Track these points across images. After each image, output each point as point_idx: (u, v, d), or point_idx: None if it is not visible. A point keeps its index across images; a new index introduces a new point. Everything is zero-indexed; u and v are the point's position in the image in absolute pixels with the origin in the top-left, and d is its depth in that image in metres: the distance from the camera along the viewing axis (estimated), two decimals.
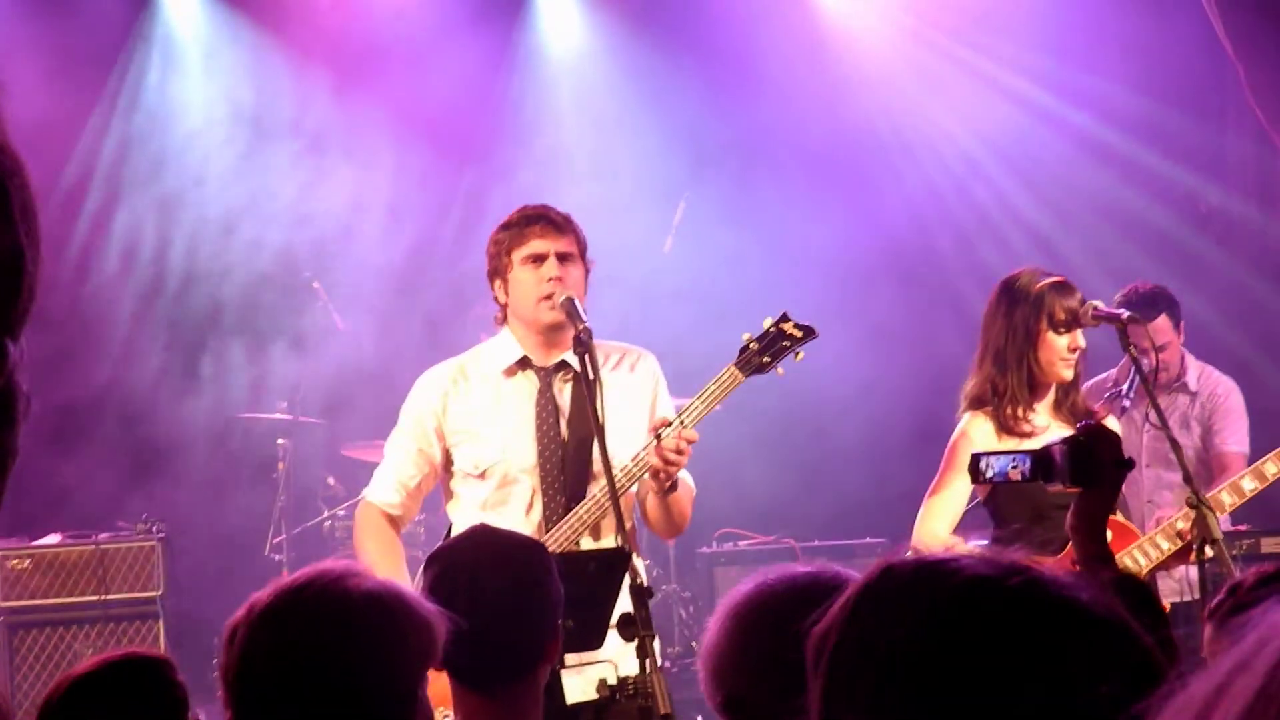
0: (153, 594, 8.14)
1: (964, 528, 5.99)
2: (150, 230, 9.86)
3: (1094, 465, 3.81)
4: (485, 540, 3.88)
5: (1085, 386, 6.36)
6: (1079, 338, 5.68)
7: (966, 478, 5.60)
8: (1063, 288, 5.71)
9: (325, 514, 9.15)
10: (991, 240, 9.82)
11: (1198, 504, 5.39)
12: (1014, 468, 4.15)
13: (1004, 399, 5.74)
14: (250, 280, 9.68)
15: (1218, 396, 7.54)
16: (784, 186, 10.00)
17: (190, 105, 10.02)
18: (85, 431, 9.50)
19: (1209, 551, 5.42)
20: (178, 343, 9.88)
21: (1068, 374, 5.68)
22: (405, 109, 9.75)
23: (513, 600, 3.57)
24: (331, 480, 9.42)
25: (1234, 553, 6.11)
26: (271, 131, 9.90)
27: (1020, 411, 5.72)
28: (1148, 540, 5.89)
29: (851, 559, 8.23)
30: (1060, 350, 5.67)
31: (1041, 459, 3.99)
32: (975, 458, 4.31)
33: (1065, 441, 3.87)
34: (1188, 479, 5.46)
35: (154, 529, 8.37)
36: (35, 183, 1.79)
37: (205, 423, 9.71)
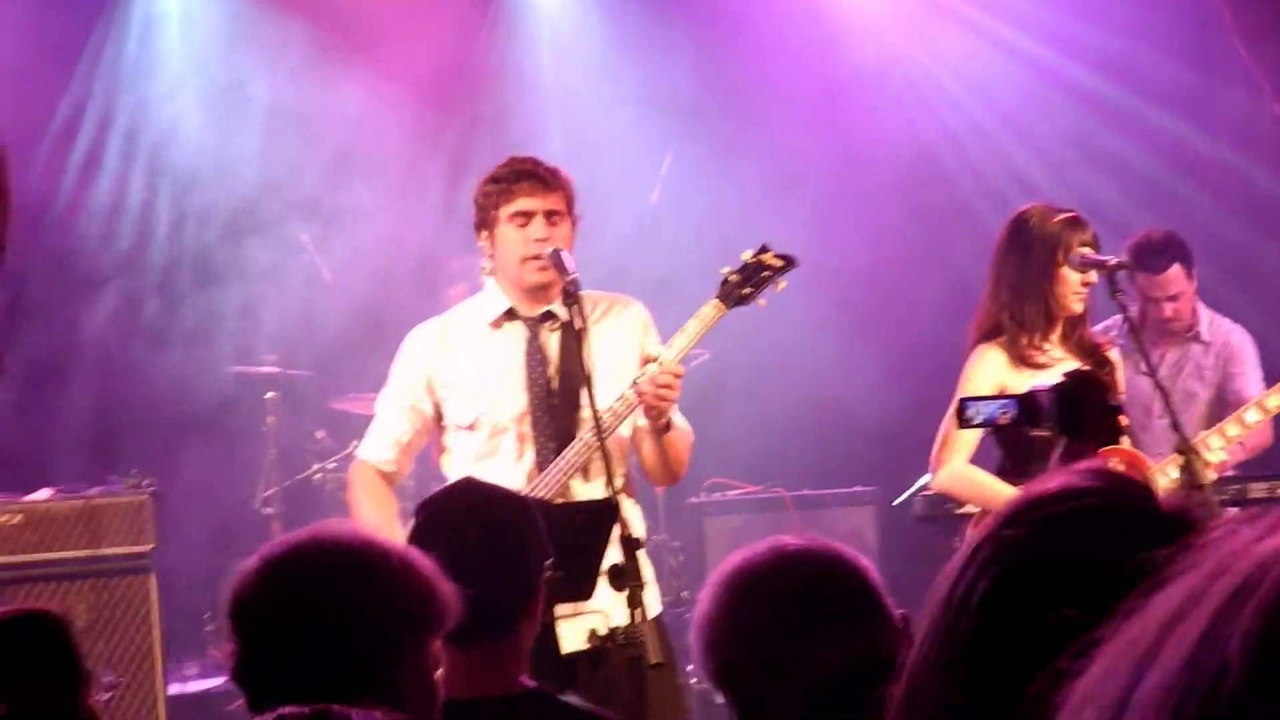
0: (145, 548, 7.86)
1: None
2: (136, 184, 9.79)
3: (1080, 412, 4.00)
4: (467, 495, 3.97)
5: (1094, 329, 6.51)
6: (1091, 275, 5.86)
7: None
8: (1075, 223, 5.91)
9: (315, 468, 9.12)
10: (984, 191, 9.83)
11: (1185, 449, 5.55)
12: (1003, 413, 4.43)
13: (1022, 329, 5.91)
14: (236, 234, 9.64)
15: (1231, 345, 7.66)
16: (774, 136, 10.05)
17: (172, 58, 9.99)
18: (70, 386, 9.51)
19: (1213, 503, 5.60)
20: (165, 296, 9.77)
21: (1079, 307, 5.87)
22: (390, 62, 9.76)
23: (492, 556, 3.64)
24: (320, 434, 9.35)
25: (1223, 498, 6.19)
26: (255, 89, 9.88)
27: (1037, 341, 5.92)
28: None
29: (842, 507, 8.66)
30: (1074, 284, 5.86)
31: (1028, 404, 4.20)
32: (963, 403, 4.65)
33: (1053, 388, 4.09)
34: (1175, 425, 5.63)
35: (144, 483, 8.08)
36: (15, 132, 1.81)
37: (193, 376, 9.59)
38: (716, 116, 10.06)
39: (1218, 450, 6.36)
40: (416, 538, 3.72)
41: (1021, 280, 5.94)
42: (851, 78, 10.03)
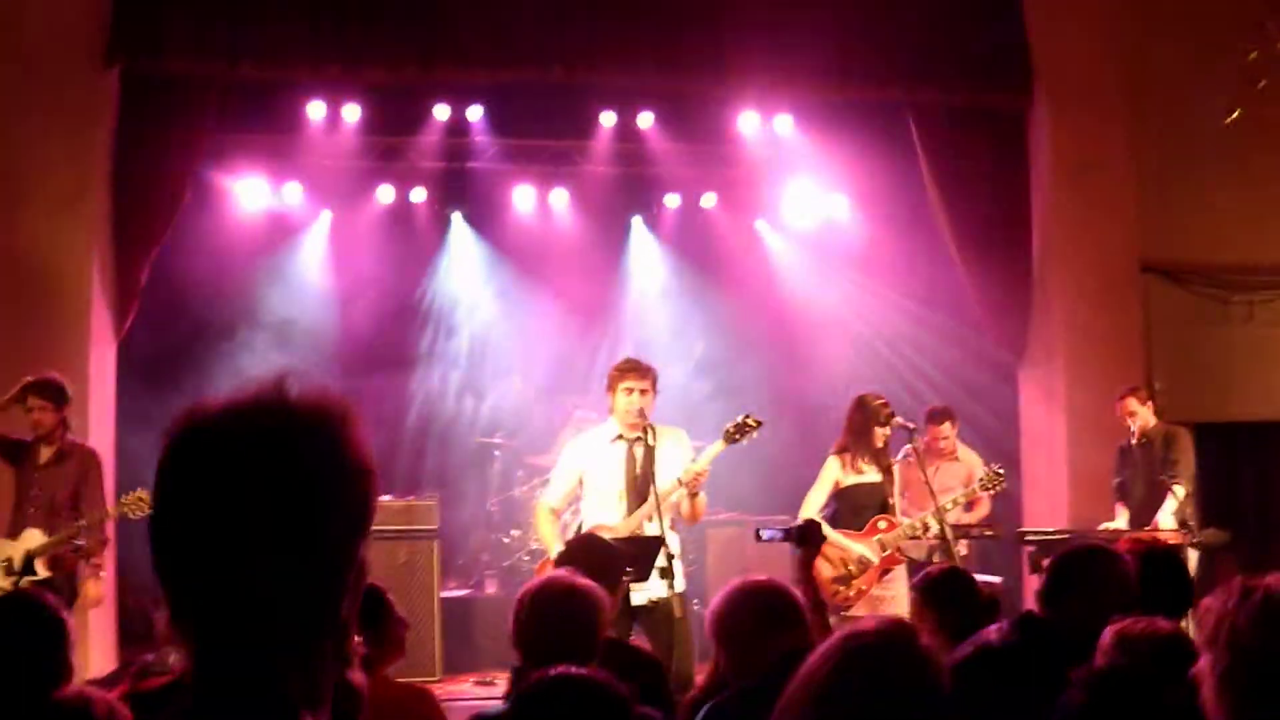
0: (433, 527, 11.14)
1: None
2: (447, 349, 14.41)
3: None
4: (586, 539, 5.82)
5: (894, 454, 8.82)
6: (888, 430, 8.44)
7: (823, 488, 8.58)
8: (884, 405, 8.50)
9: (517, 489, 13.05)
10: (853, 374, 12.80)
11: (938, 511, 8.24)
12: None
13: (854, 452, 8.50)
14: (493, 374, 14.20)
15: (972, 464, 10.50)
16: (749, 347, 13.97)
17: (468, 278, 14.54)
18: (405, 440, 13.71)
19: (951, 547, 8.23)
20: (457, 402, 14.25)
21: (881, 444, 8.44)
22: (564, 296, 13.97)
23: (594, 574, 4.67)
24: (520, 473, 13.26)
25: (958, 535, 8.90)
26: (509, 300, 14.26)
27: (860, 460, 8.51)
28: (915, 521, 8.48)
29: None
30: (880, 435, 8.48)
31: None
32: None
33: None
34: (934, 501, 8.24)
35: (433, 495, 11.58)
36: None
37: (462, 439, 13.94)
38: (725, 322, 14.02)
39: (954, 511, 9.24)
40: (562, 555, 5.41)
41: (857, 429, 8.51)
42: (795, 317, 13.88)
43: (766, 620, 4.08)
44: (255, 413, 1.66)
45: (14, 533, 8.75)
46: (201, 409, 1.67)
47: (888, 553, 8.41)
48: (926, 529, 8.37)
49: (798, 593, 4.26)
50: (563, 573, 4.27)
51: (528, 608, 4.19)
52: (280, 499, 1.61)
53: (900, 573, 8.49)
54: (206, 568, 1.61)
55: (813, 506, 8.43)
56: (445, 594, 11.58)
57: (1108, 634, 3.78)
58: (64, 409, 8.83)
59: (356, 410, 1.71)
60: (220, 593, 1.61)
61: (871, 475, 8.48)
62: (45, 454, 8.85)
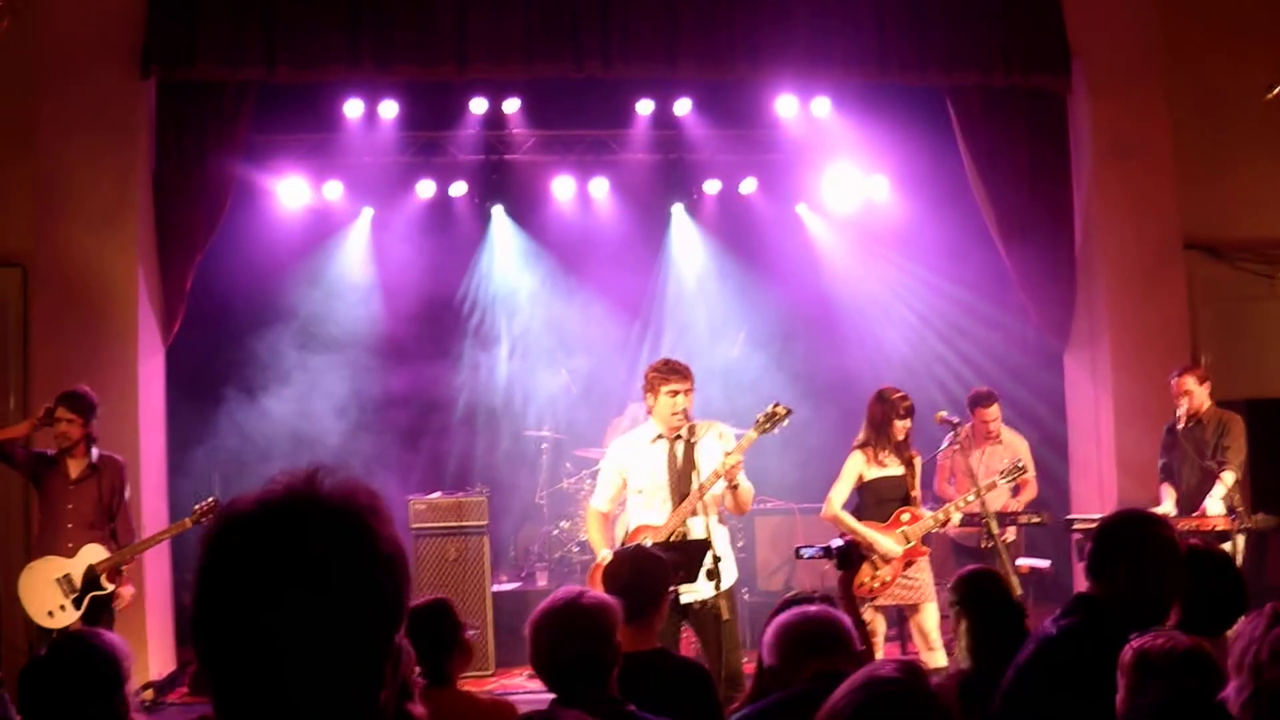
0: (483, 523, 11.23)
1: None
2: (491, 343, 14.40)
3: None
4: (635, 551, 5.65)
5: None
6: (908, 423, 8.56)
7: (847, 482, 8.66)
8: (903, 399, 8.56)
9: (565, 482, 13.17)
10: (897, 359, 13.56)
11: (978, 491, 8.51)
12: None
13: (876, 446, 8.59)
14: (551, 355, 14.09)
15: (1018, 447, 10.70)
16: (792, 332, 14.11)
17: (509, 271, 14.56)
18: (451, 438, 13.99)
19: (993, 526, 8.49)
20: (502, 390, 14.24)
21: (901, 436, 8.55)
22: (606, 285, 14.07)
23: (642, 580, 5.17)
24: (568, 465, 13.35)
25: (1002, 521, 9.09)
26: (552, 291, 14.32)
27: (882, 453, 8.62)
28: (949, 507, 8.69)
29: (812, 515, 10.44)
30: (900, 428, 8.57)
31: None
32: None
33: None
34: (976, 490, 8.54)
35: (483, 490, 11.68)
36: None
37: (510, 433, 14.07)
38: (764, 309, 14.02)
39: (1001, 495, 9.55)
40: (610, 566, 5.53)
41: (877, 423, 8.60)
42: (831, 298, 14.01)
43: (811, 646, 4.15)
44: (285, 509, 1.68)
45: (52, 548, 8.79)
46: (236, 506, 1.70)
47: (911, 544, 8.46)
48: (948, 520, 8.52)
49: (844, 617, 4.31)
50: (569, 591, 4.25)
51: (535, 636, 4.22)
52: (311, 596, 1.63)
53: (924, 563, 8.55)
54: (241, 663, 1.63)
55: (837, 501, 8.53)
56: (496, 588, 11.68)
57: (1127, 652, 3.73)
58: (91, 423, 8.85)
59: (384, 503, 1.73)
60: (256, 688, 1.63)
61: (894, 468, 8.55)
62: (75, 469, 8.88)
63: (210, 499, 8.92)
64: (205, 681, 1.67)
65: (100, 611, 8.73)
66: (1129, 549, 4.39)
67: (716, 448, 7.67)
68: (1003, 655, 4.62)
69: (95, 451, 8.94)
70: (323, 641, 1.63)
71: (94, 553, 8.72)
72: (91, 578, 8.68)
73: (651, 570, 5.23)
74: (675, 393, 7.55)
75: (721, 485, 7.44)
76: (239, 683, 1.64)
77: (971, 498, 8.51)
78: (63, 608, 8.63)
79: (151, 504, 10.51)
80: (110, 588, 8.74)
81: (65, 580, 8.67)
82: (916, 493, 8.58)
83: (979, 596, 5.28)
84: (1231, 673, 3.05)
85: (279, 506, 1.68)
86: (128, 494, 9.09)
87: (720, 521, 7.57)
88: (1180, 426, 9.88)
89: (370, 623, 1.68)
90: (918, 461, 8.66)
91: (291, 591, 1.63)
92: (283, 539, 1.65)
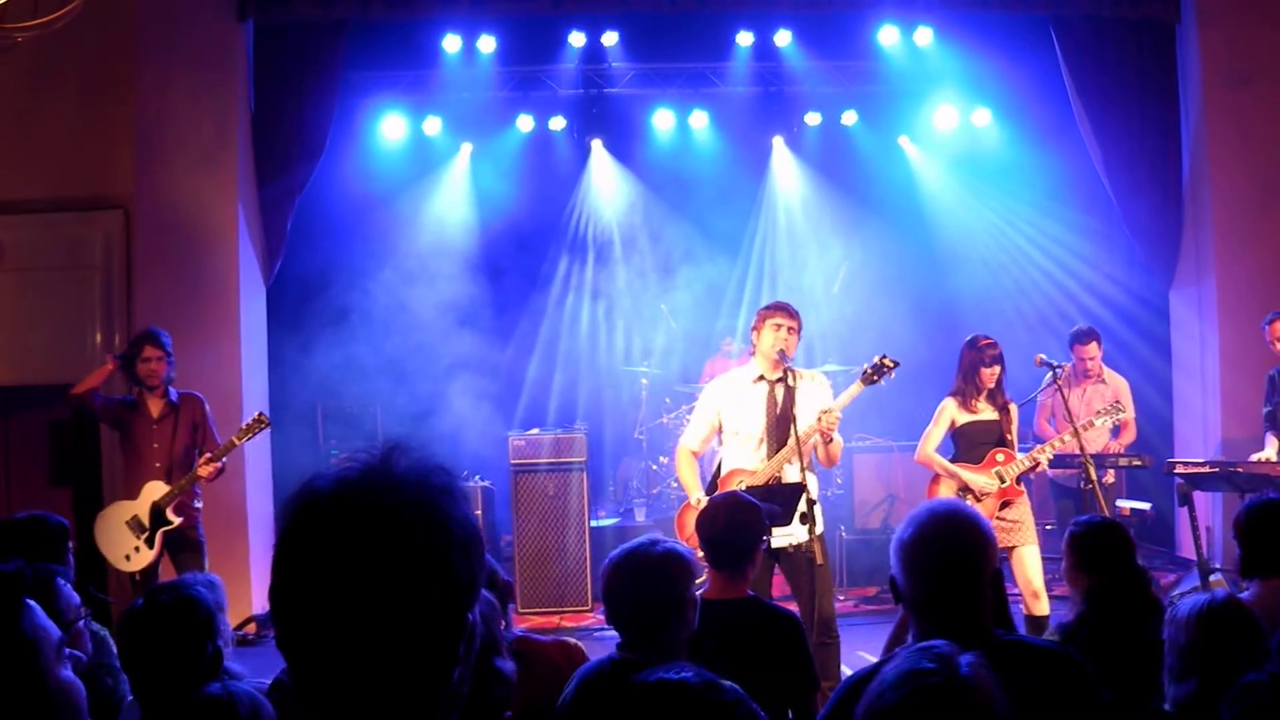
0: (581, 459, 11.22)
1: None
2: (592, 278, 14.60)
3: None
4: (728, 498, 5.35)
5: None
6: (995, 370, 8.37)
7: (942, 425, 8.59)
8: (991, 346, 8.39)
9: (664, 416, 13.37)
10: (1000, 296, 13.63)
11: (1074, 430, 8.30)
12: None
13: (966, 394, 8.49)
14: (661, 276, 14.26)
15: (1119, 386, 10.35)
16: (893, 266, 14.04)
17: (609, 205, 14.65)
18: (553, 374, 14.19)
19: (1090, 467, 8.21)
20: (611, 336, 14.41)
21: (991, 384, 8.42)
22: (706, 219, 14.26)
23: (736, 531, 5.10)
24: (668, 399, 13.59)
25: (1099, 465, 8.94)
26: (652, 225, 14.40)
27: (973, 400, 8.48)
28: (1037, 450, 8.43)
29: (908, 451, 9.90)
30: (988, 375, 8.43)
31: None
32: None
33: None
34: (1073, 425, 8.32)
35: (582, 426, 11.70)
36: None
37: (610, 370, 14.31)
38: (866, 243, 14.02)
39: (1101, 435, 9.41)
40: (704, 514, 5.27)
41: (965, 370, 8.52)
42: (933, 232, 13.96)
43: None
44: (361, 488, 1.71)
45: (138, 491, 8.89)
46: (313, 486, 1.73)
47: (1006, 484, 8.35)
48: (1037, 465, 8.32)
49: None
50: (641, 540, 4.24)
51: (604, 582, 4.24)
52: (386, 575, 1.66)
53: (1023, 504, 8.42)
54: (315, 643, 1.67)
55: (931, 444, 8.52)
56: (595, 523, 11.75)
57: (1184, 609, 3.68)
58: (172, 360, 8.96)
59: (458, 482, 1.76)
60: (332, 667, 1.67)
61: (988, 414, 8.48)
62: (156, 408, 8.97)
63: (256, 414, 8.88)
64: (283, 658, 1.72)
65: (180, 546, 8.88)
66: None
67: (816, 397, 7.59)
68: (1122, 619, 4.51)
69: (173, 391, 9.03)
70: (395, 623, 1.66)
71: (155, 489, 8.80)
72: (158, 512, 8.76)
73: (746, 519, 5.15)
74: (780, 326, 7.49)
75: (817, 437, 7.34)
76: (313, 661, 1.67)
77: (1068, 438, 8.35)
78: (137, 549, 8.73)
79: (254, 442, 10.57)
80: (176, 520, 8.80)
81: (134, 522, 8.77)
82: (1013, 436, 8.43)
83: (1102, 554, 4.97)
84: None
85: (355, 489, 1.71)
86: (214, 427, 9.18)
87: (810, 470, 7.40)
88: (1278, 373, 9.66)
89: (443, 603, 1.70)
90: (1013, 408, 8.55)
91: (366, 574, 1.65)
92: (358, 523, 1.68)
